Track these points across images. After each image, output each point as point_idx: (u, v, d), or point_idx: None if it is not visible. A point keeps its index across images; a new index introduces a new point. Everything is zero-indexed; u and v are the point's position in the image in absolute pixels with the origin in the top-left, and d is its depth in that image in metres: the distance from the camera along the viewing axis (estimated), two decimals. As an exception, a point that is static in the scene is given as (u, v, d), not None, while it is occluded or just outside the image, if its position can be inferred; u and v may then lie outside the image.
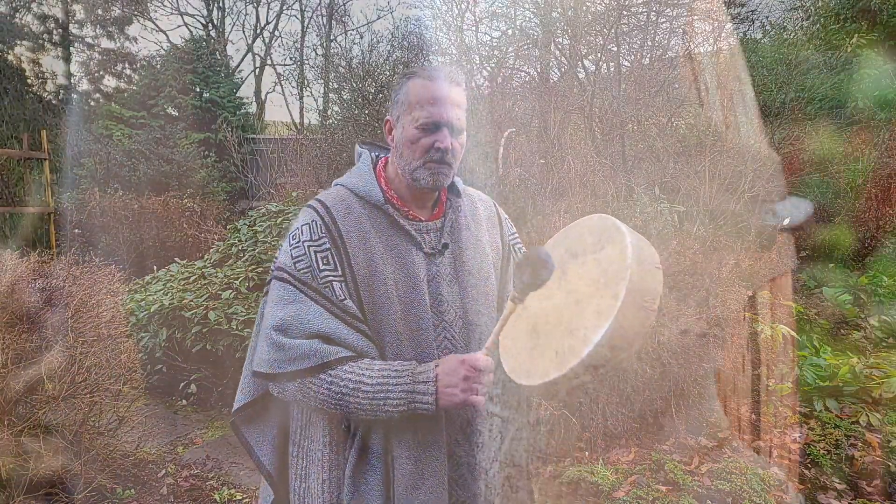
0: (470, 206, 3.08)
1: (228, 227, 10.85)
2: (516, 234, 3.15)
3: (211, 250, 9.87)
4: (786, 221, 4.59)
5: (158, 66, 21.47)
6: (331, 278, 2.79)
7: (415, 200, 2.95)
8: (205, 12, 24.67)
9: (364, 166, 3.06)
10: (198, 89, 21.01)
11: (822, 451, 4.88)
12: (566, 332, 1.95)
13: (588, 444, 3.88)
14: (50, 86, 18.54)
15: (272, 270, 2.92)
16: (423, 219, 2.95)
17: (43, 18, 17.99)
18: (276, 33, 24.57)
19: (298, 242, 2.86)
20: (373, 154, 3.12)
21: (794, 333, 4.43)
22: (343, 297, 2.77)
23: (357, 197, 2.95)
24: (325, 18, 23.00)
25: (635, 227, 2.36)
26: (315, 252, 2.82)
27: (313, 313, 2.75)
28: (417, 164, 2.82)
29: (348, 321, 2.75)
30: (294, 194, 10.95)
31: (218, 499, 6.06)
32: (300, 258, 2.83)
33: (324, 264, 2.80)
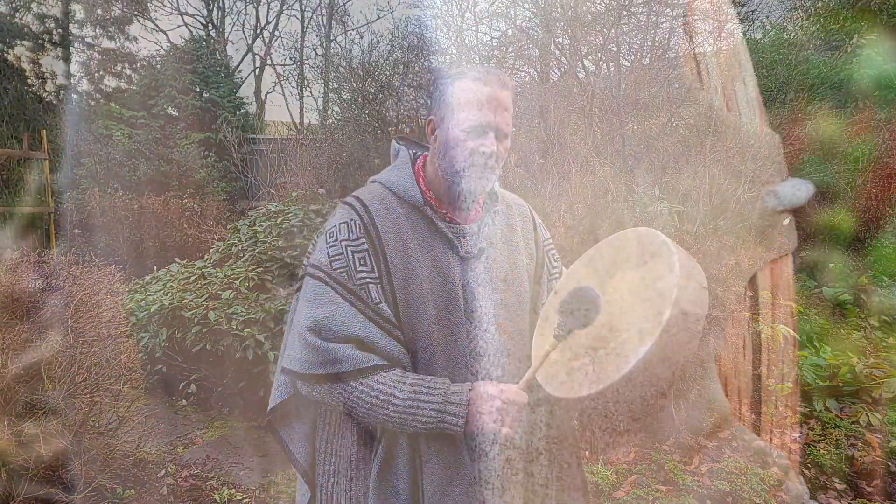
0: (506, 210, 3.01)
1: (228, 227, 10.82)
2: (550, 240, 3.11)
3: (211, 250, 9.83)
4: (785, 222, 4.59)
5: (158, 66, 21.44)
6: (367, 280, 2.75)
7: (453, 203, 2.89)
8: (205, 12, 24.64)
9: (403, 164, 3.02)
10: (198, 89, 20.97)
11: (822, 451, 4.88)
12: (605, 351, 1.89)
13: (588, 445, 3.87)
14: (50, 86, 18.52)
15: (305, 266, 2.89)
16: (460, 222, 2.90)
17: (43, 18, 17.97)
18: (276, 33, 24.49)
19: (336, 241, 2.82)
20: (410, 151, 3.08)
21: (794, 333, 4.43)
22: (378, 301, 2.73)
23: (395, 196, 2.91)
24: (325, 18, 22.97)
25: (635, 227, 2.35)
26: (353, 252, 2.78)
27: (348, 315, 2.72)
28: (461, 166, 2.78)
29: (382, 325, 2.70)
30: (294, 194, 10.92)
31: (218, 499, 6.05)
32: (337, 257, 2.79)
33: (361, 265, 2.77)
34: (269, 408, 3.00)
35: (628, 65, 10.84)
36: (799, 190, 2.14)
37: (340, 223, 2.84)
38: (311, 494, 3.02)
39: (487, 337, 2.66)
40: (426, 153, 3.03)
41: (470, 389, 2.51)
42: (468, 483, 2.77)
